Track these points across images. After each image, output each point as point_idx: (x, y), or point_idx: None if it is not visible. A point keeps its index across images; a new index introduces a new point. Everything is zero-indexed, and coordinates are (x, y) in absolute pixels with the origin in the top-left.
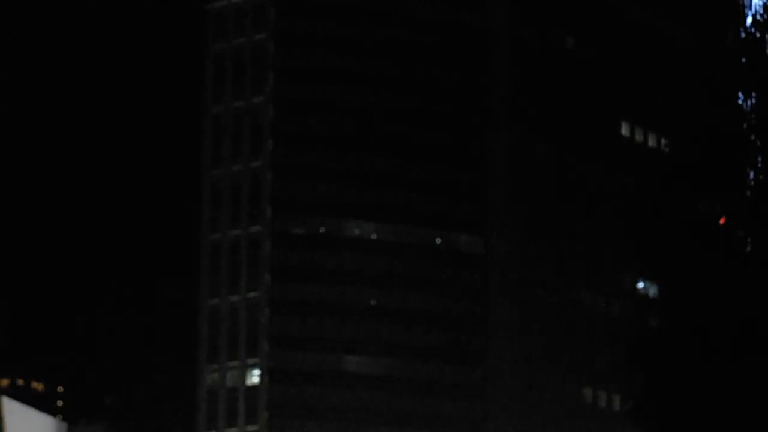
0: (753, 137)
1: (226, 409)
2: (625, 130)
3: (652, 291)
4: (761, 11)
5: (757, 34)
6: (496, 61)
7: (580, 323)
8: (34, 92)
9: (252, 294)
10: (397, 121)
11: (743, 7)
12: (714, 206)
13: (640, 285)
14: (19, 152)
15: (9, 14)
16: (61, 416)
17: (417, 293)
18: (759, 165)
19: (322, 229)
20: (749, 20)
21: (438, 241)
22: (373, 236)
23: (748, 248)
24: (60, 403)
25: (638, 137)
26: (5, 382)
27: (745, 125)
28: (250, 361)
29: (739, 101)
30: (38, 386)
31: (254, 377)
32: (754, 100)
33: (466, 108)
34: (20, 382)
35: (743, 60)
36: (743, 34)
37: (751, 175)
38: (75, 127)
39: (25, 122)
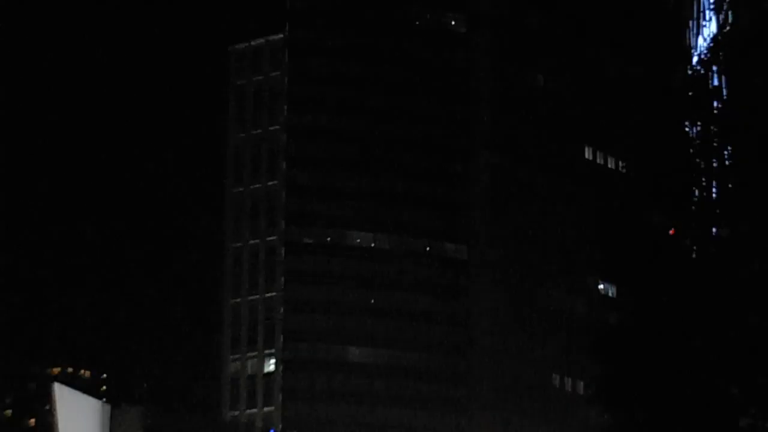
0: (697, 160)
1: (246, 393)
2: (588, 154)
3: (612, 291)
4: (705, 52)
5: (702, 71)
6: (478, 94)
7: (549, 319)
8: (86, 122)
9: (269, 294)
10: (393, 146)
11: (689, 48)
12: (665, 219)
13: (601, 286)
14: (66, 169)
15: (58, 50)
16: (105, 400)
17: (410, 293)
18: (703, 184)
19: (328, 239)
20: (695, 59)
21: (428, 248)
22: (372, 245)
23: (693, 255)
24: (104, 388)
25: (599, 160)
26: (57, 370)
27: (691, 150)
28: (267, 351)
29: (686, 129)
30: (86, 374)
31: (271, 366)
32: (698, 128)
33: (452, 134)
34: (70, 370)
35: (689, 94)
36: (690, 72)
37: (696, 192)
38: (117, 153)
39: (74, 148)
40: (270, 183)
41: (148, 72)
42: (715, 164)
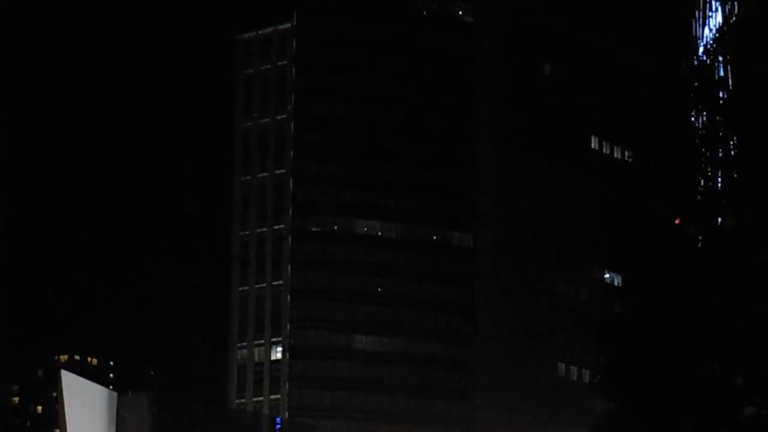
0: (703, 149)
1: (253, 380)
2: (594, 143)
3: (617, 280)
4: (711, 42)
5: (708, 62)
6: (483, 83)
7: (554, 307)
8: (94, 113)
9: (276, 282)
10: (399, 135)
11: (696, 38)
12: (670, 208)
13: (607, 275)
14: (76, 157)
15: (67, 48)
16: (112, 387)
17: (415, 281)
18: (708, 173)
19: (335, 227)
20: (701, 50)
21: (434, 237)
22: (379, 233)
23: (699, 245)
24: (111, 375)
25: (605, 150)
26: (64, 357)
27: (696, 140)
28: (274, 339)
29: (692, 119)
30: (93, 361)
31: (277, 353)
32: (704, 118)
33: (458, 124)
34: (77, 357)
35: (696, 84)
36: (696, 62)
37: (701, 182)
38: (126, 143)
39: (83, 136)
40: (277, 172)
41: (155, 62)
42: (720, 154)
